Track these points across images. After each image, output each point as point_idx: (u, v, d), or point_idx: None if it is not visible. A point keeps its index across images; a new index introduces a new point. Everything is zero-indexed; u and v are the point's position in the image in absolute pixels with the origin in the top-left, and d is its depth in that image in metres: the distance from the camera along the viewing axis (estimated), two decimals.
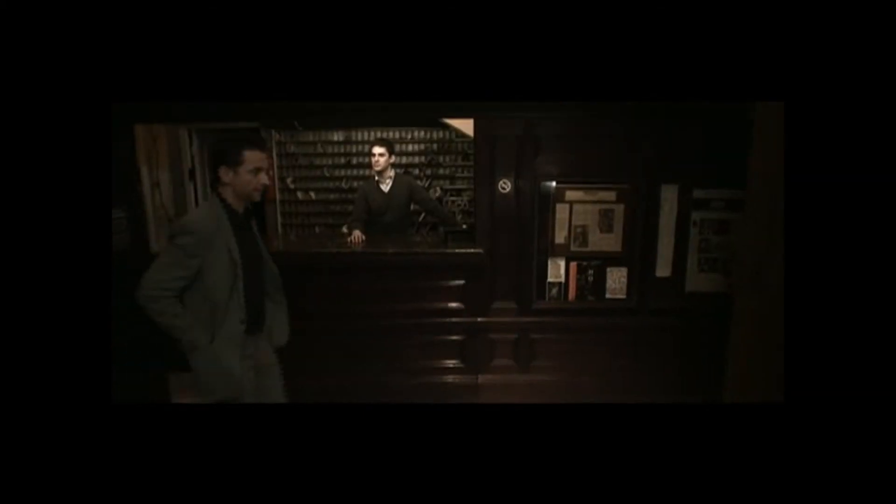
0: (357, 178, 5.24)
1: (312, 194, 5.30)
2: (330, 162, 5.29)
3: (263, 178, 1.99)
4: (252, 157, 1.95)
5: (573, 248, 3.18)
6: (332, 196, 5.35)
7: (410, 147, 5.22)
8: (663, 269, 3.26)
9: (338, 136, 5.25)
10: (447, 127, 4.94)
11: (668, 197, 3.18)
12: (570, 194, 3.12)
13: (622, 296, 3.25)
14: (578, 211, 3.14)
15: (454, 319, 3.26)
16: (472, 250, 3.15)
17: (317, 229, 5.26)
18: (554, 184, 3.13)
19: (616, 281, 3.25)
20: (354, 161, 5.28)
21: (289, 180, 5.24)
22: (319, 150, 5.25)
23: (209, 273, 1.89)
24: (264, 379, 2.17)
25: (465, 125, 4.01)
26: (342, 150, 5.29)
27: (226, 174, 1.97)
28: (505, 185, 3.13)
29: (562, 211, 3.13)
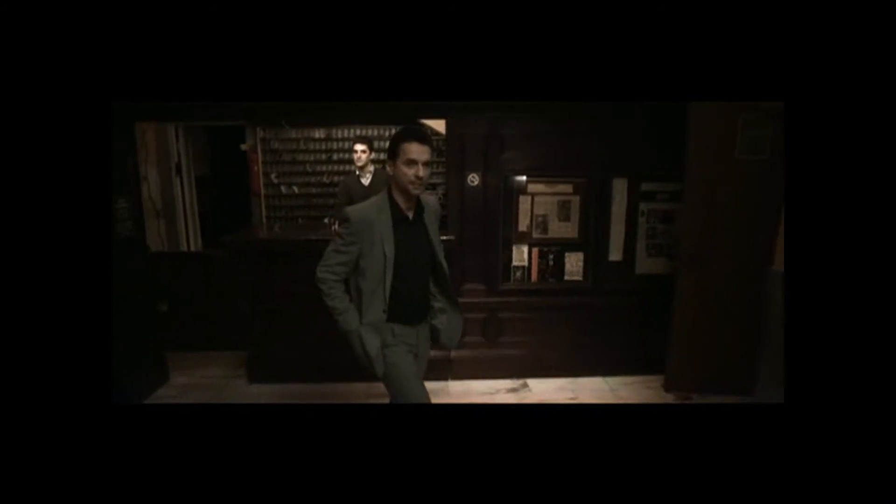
0: (337, 173, 5.50)
1: (295, 188, 5.57)
2: (312, 158, 5.55)
3: (420, 171, 1.93)
4: (408, 148, 1.92)
5: (535, 235, 3.55)
6: (313, 190, 5.59)
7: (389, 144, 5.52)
8: (615, 254, 3.64)
9: (319, 133, 5.51)
10: (422, 125, 5.26)
11: (619, 189, 3.56)
12: (532, 187, 3.49)
13: (579, 278, 3.63)
14: (539, 202, 3.51)
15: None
16: (444, 237, 3.46)
17: (300, 221, 5.53)
18: (518, 178, 3.49)
19: (573, 264, 3.62)
20: (335, 157, 5.56)
21: (273, 175, 5.50)
22: (302, 146, 5.51)
23: (363, 261, 1.98)
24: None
25: (439, 124, 4.33)
26: (323, 147, 5.55)
27: (390, 167, 2.01)
28: (473, 179, 3.48)
29: (524, 202, 3.50)
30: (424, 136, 1.96)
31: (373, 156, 4.21)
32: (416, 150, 1.93)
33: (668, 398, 3.47)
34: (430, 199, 2.19)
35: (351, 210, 2.00)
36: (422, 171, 1.94)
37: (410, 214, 2.05)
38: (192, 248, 5.36)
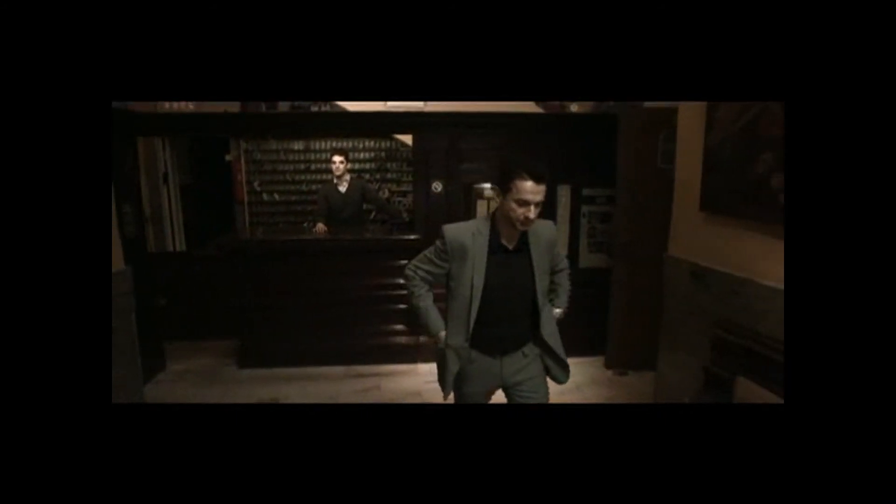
0: (315, 181, 5.93)
1: (276, 196, 6.02)
2: (292, 167, 6.00)
3: (531, 213, 1.76)
4: (521, 186, 1.73)
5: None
6: (293, 198, 6.04)
7: (363, 155, 5.99)
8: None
9: (298, 145, 5.97)
10: (393, 139, 5.77)
11: (564, 194, 4.11)
12: (487, 193, 4.02)
13: None
14: (494, 206, 4.03)
15: (399, 292, 4.04)
16: (413, 237, 4.00)
17: (280, 226, 5.97)
18: (476, 185, 4.01)
19: None
20: (313, 167, 6.01)
21: (255, 184, 5.93)
22: (282, 157, 5.95)
23: (452, 282, 1.93)
24: (517, 398, 2.05)
25: (408, 138, 4.84)
26: (302, 158, 6.00)
27: (497, 196, 1.86)
28: (437, 187, 4.00)
29: (481, 206, 4.02)
30: (542, 174, 1.75)
31: (349, 166, 4.69)
32: (531, 191, 1.73)
33: (609, 374, 4.02)
34: (543, 228, 1.99)
35: (447, 228, 1.93)
36: (532, 213, 1.77)
37: (512, 245, 1.91)
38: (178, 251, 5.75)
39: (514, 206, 1.77)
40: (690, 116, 2.56)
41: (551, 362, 2.06)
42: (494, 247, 1.88)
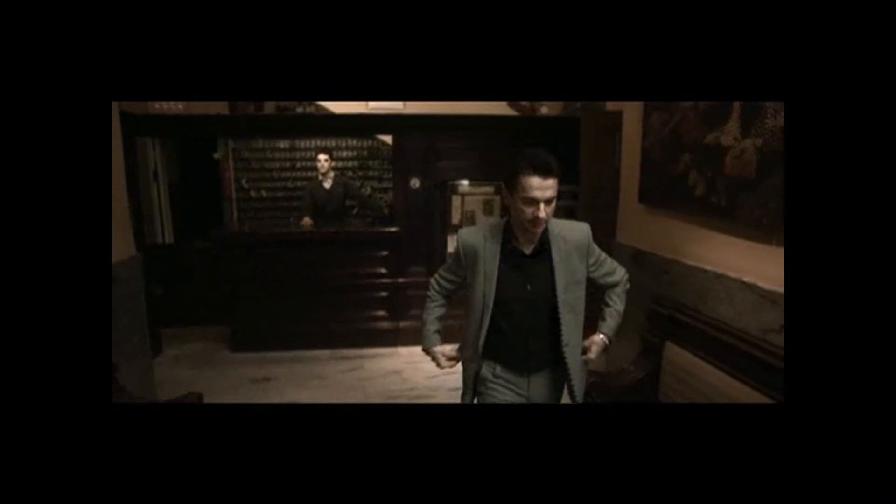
0: (301, 178, 6.23)
1: (263, 192, 6.31)
2: (278, 165, 6.30)
3: (540, 212, 1.56)
4: (527, 183, 1.55)
5: (464, 226, 4.43)
6: (279, 194, 6.35)
7: (346, 154, 6.32)
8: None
9: (284, 144, 6.27)
10: (375, 139, 6.10)
11: None
12: (462, 188, 4.38)
13: None
14: (468, 201, 4.41)
15: (380, 281, 4.41)
16: (393, 229, 4.34)
17: (267, 221, 6.25)
18: (451, 181, 4.38)
19: None
20: (298, 165, 6.32)
21: (243, 181, 6.21)
22: (269, 155, 6.25)
23: (469, 290, 1.78)
24: None
25: (389, 138, 5.17)
26: (288, 156, 6.30)
27: (505, 195, 1.67)
28: (415, 183, 4.33)
29: (456, 200, 4.39)
30: (549, 168, 1.57)
31: (333, 164, 5.01)
32: (538, 186, 1.55)
33: None
34: (571, 231, 1.75)
35: (461, 232, 1.80)
36: (543, 212, 1.57)
37: (529, 249, 1.71)
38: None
39: (521, 206, 1.58)
40: (632, 121, 2.94)
41: (574, 379, 1.79)
42: (508, 252, 1.71)
